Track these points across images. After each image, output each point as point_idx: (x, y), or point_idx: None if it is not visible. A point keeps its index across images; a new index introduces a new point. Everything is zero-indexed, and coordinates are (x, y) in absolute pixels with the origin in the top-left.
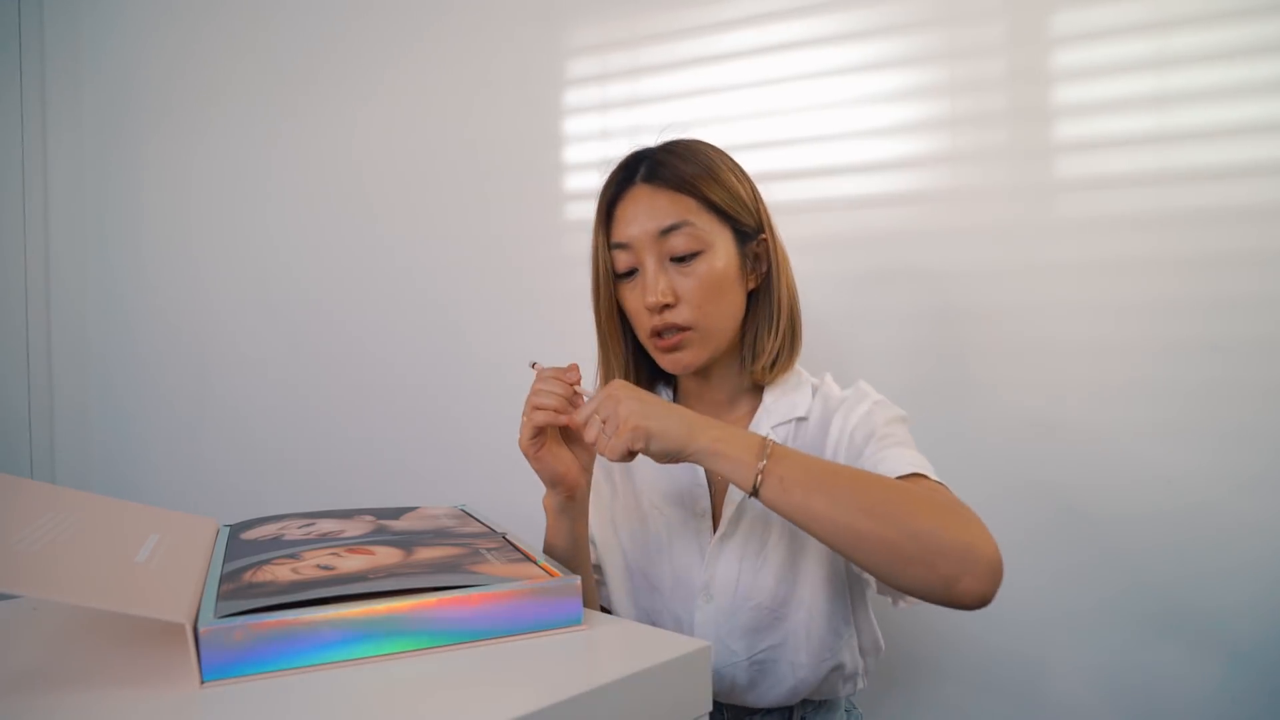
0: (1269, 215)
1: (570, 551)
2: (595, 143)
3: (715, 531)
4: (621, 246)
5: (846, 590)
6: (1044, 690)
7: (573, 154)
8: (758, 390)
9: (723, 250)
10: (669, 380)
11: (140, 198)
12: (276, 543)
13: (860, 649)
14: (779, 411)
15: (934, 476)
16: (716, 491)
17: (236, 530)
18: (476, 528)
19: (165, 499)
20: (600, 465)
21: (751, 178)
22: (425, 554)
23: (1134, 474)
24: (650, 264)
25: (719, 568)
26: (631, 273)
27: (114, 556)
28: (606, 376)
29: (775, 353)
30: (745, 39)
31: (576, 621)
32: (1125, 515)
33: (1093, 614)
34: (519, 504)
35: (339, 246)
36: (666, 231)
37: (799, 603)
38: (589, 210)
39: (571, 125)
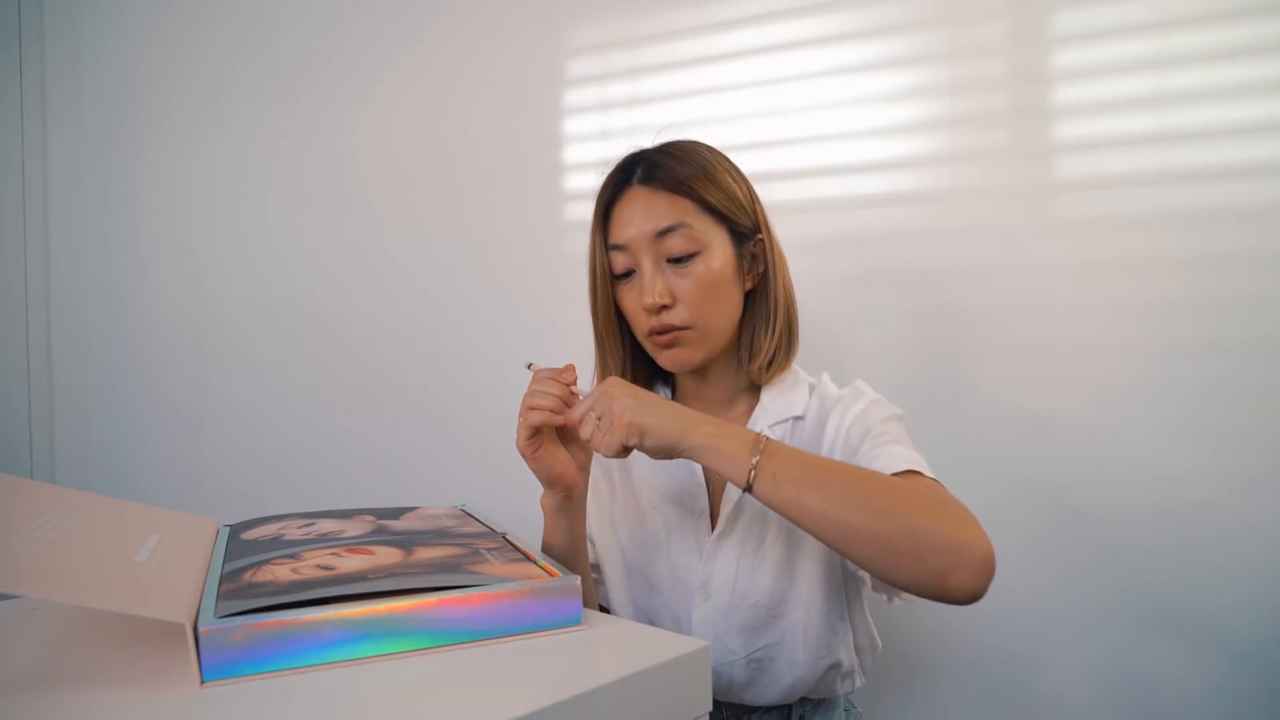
0: (1269, 215)
1: (568, 551)
2: (595, 143)
3: (713, 530)
4: (618, 248)
5: (842, 588)
6: (1043, 690)
7: (573, 154)
8: (755, 390)
9: (719, 251)
10: (667, 380)
11: (140, 198)
12: (276, 543)
13: (856, 647)
14: (776, 410)
15: (929, 473)
16: (714, 490)
17: (236, 530)
18: (476, 528)
19: (165, 499)
20: (599, 464)
21: (749, 178)
22: (425, 554)
23: (1134, 474)
24: (647, 265)
25: (717, 566)
26: (629, 274)
27: (114, 556)
28: (603, 377)
29: (772, 352)
30: (745, 39)
31: (576, 621)
32: (1125, 515)
33: (1092, 613)
34: (519, 504)
35: (339, 246)
36: (663, 233)
37: (796, 601)
38: (589, 210)
39: (571, 125)
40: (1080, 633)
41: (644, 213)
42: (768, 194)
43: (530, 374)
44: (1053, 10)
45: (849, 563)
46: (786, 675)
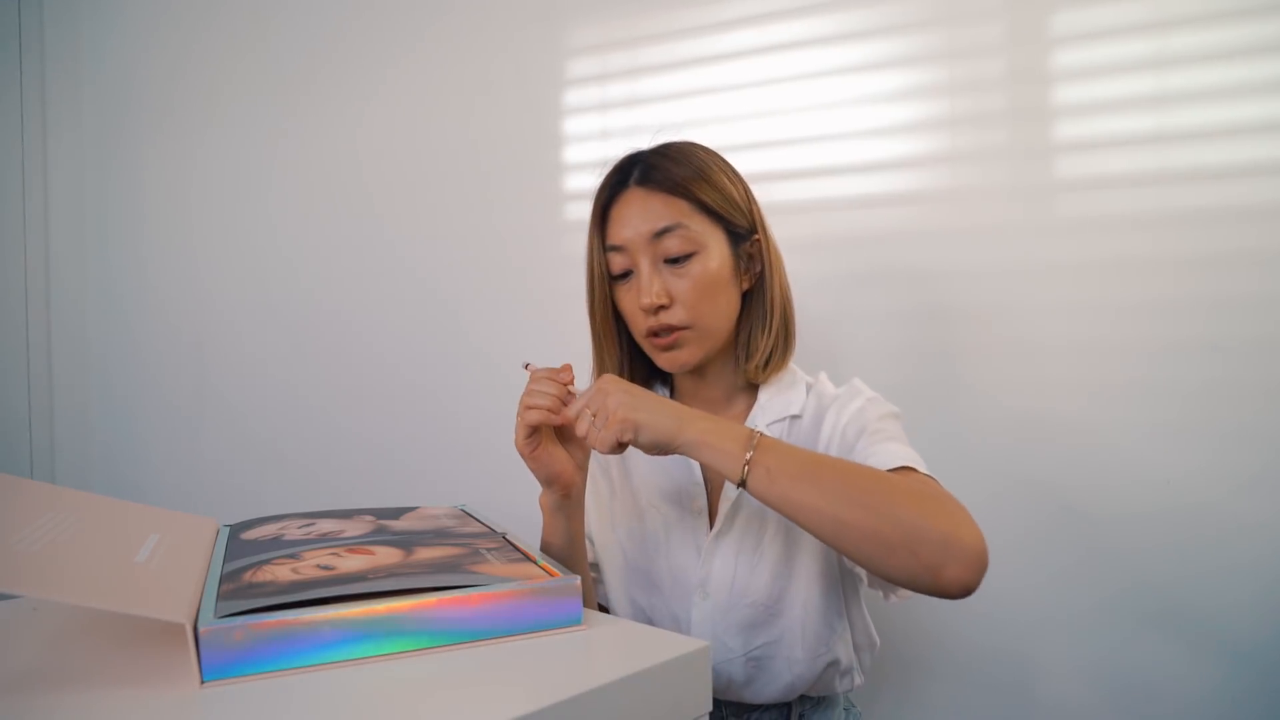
0: (1269, 215)
1: (567, 549)
2: (595, 143)
3: (711, 529)
4: (616, 249)
5: (840, 585)
6: (1043, 690)
7: (573, 154)
8: (753, 389)
9: (716, 251)
10: (665, 380)
11: (141, 198)
12: (276, 543)
13: (855, 645)
14: (773, 409)
15: (924, 470)
16: (713, 489)
17: (236, 530)
18: (476, 528)
19: (165, 499)
20: (598, 463)
21: (745, 178)
22: (425, 554)
23: (1133, 474)
24: (645, 266)
25: (715, 565)
26: (626, 274)
27: (114, 556)
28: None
29: (769, 352)
30: (745, 39)
31: (576, 621)
32: (1124, 515)
33: (1092, 613)
34: (519, 504)
35: (339, 246)
36: (660, 234)
37: (794, 599)
38: (589, 210)
39: (571, 125)
40: (1080, 632)
41: (641, 214)
42: (767, 194)
43: (528, 374)
44: (1052, 10)
45: (846, 560)
46: (785, 673)
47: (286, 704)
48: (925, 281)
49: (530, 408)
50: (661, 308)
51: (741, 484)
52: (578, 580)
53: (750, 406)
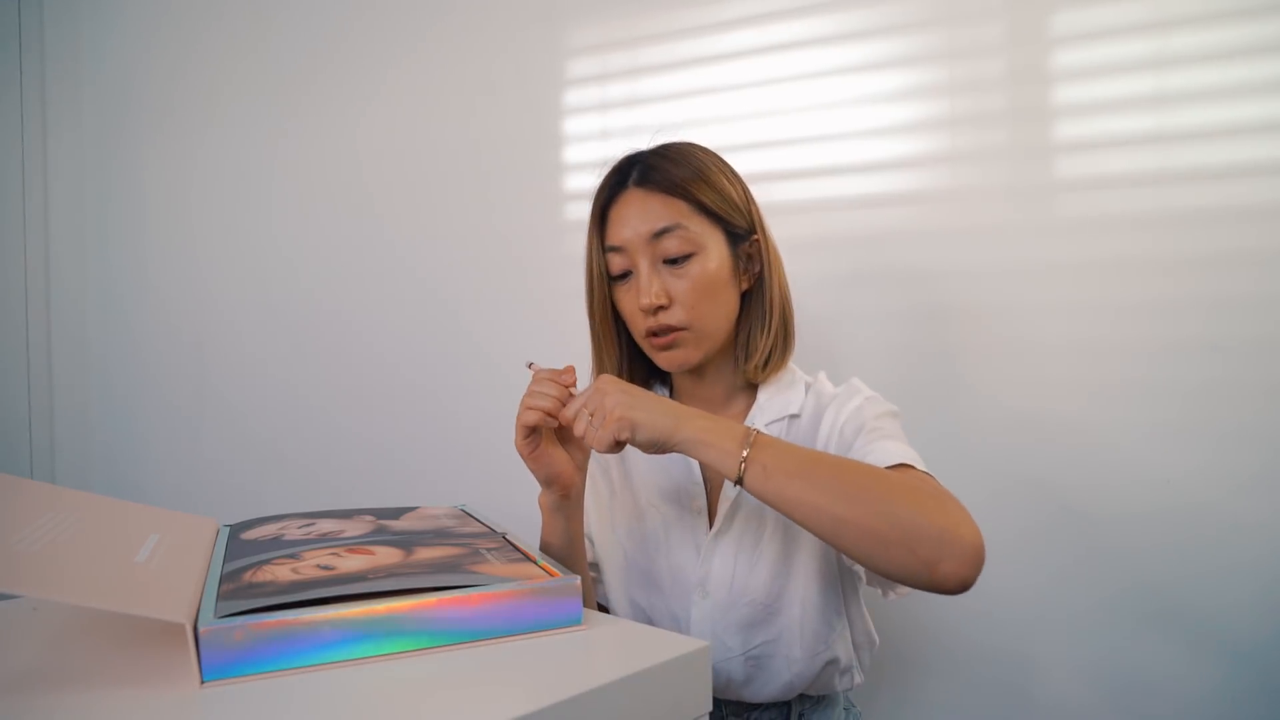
0: (1269, 215)
1: (566, 549)
2: (595, 143)
3: (711, 528)
4: (615, 249)
5: (838, 584)
6: (1042, 690)
7: (573, 154)
8: (752, 389)
9: (715, 252)
10: (664, 380)
11: (141, 198)
12: (276, 543)
13: (854, 643)
14: (772, 409)
15: (922, 467)
16: (712, 489)
17: (236, 530)
18: (476, 528)
19: (165, 499)
20: (598, 463)
21: (745, 178)
22: (425, 554)
23: (1133, 474)
24: (644, 266)
25: (714, 564)
26: (626, 275)
27: (114, 556)
28: None
29: (768, 352)
30: (745, 39)
31: (576, 621)
32: (1124, 515)
33: (1092, 613)
34: (519, 504)
35: (340, 247)
36: (659, 234)
37: (793, 598)
38: (589, 210)
39: (571, 125)
40: (1080, 632)
41: (640, 214)
42: (766, 194)
43: (530, 373)
44: (1052, 10)
45: (844, 558)
46: (784, 672)
47: (286, 704)
48: (925, 281)
49: (529, 408)
50: (660, 308)
51: (739, 481)
52: (577, 580)
53: (749, 406)
